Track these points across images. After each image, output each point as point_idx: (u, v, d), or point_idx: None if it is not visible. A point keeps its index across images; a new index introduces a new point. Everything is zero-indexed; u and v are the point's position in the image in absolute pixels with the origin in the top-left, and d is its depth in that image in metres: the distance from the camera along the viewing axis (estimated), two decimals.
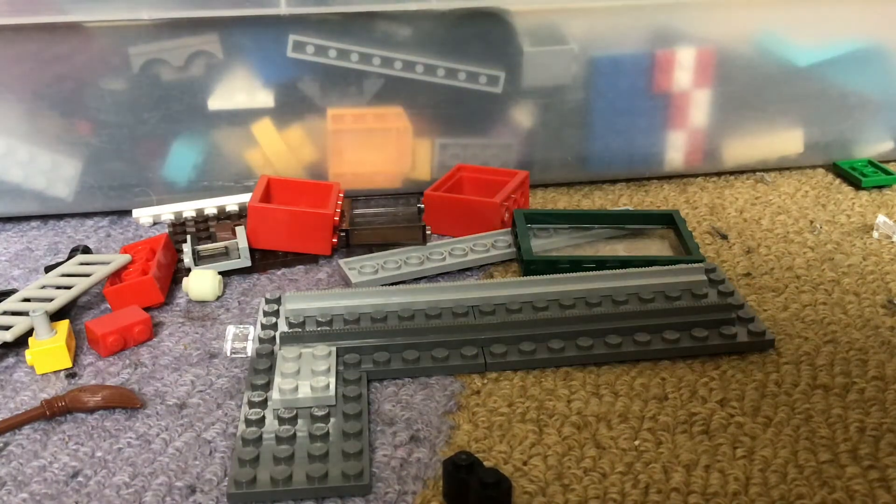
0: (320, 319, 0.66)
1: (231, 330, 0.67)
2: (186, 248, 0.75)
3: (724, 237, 0.81)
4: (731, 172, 0.96)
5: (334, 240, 0.77)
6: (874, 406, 0.57)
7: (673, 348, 0.62)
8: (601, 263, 0.73)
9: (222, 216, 0.85)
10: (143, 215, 0.86)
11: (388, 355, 0.62)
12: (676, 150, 0.94)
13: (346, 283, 0.74)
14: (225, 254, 0.76)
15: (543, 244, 0.79)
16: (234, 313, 0.71)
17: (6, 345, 0.65)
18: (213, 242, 0.76)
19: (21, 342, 0.65)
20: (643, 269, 0.70)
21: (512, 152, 0.91)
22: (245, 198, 0.85)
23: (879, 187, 0.91)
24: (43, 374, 0.63)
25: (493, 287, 0.68)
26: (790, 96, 0.92)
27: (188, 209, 0.85)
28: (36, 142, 0.83)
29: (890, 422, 0.56)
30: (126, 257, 0.74)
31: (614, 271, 0.69)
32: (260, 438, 0.54)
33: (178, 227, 0.83)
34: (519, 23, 0.84)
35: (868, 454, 0.53)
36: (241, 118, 0.85)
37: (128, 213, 0.88)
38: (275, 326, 0.67)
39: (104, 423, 0.58)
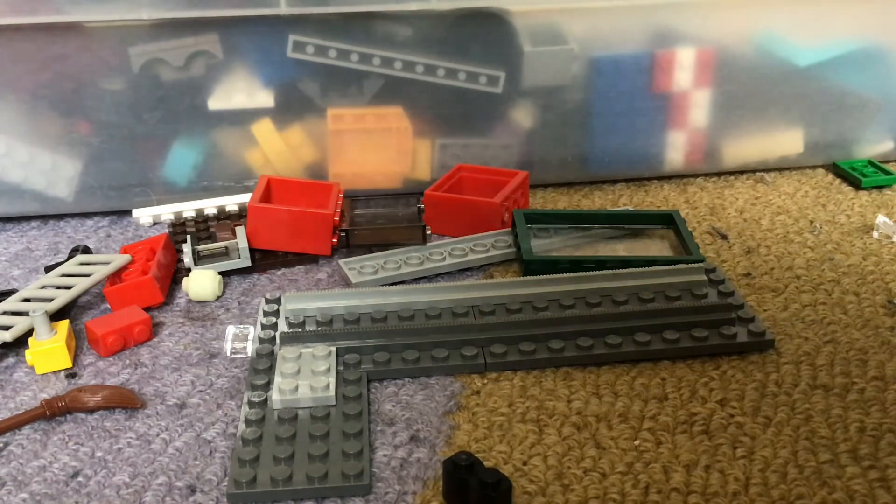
0: (320, 319, 0.66)
1: (231, 330, 0.67)
2: (186, 248, 0.75)
3: (724, 237, 0.81)
4: (731, 172, 0.96)
5: (334, 240, 0.77)
6: (874, 406, 0.57)
7: (673, 348, 0.62)
8: (601, 263, 0.73)
9: (222, 216, 0.85)
10: (143, 215, 0.86)
11: (388, 355, 0.62)
12: (676, 150, 0.94)
13: (346, 283, 0.74)
14: (225, 254, 0.76)
15: (543, 244, 0.79)
16: (234, 313, 0.71)
17: (6, 345, 0.65)
18: (213, 242, 0.76)
19: (21, 342, 0.65)
20: (643, 269, 0.70)
21: (512, 152, 0.91)
22: (245, 198, 0.85)
23: (879, 187, 0.91)
24: (43, 374, 0.63)
25: (493, 287, 0.68)
26: (790, 96, 0.92)
27: (188, 209, 0.85)
28: (36, 142, 0.83)
29: (890, 422, 0.56)
30: (126, 257, 0.74)
31: (614, 271, 0.69)
32: (260, 438, 0.54)
33: (178, 227, 0.83)
34: (519, 23, 0.84)
35: (868, 454, 0.53)
36: (241, 118, 0.85)
37: (128, 213, 0.88)
38: (275, 326, 0.67)
39: (104, 423, 0.58)
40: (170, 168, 0.87)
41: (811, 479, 0.51)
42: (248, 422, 0.55)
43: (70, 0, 0.77)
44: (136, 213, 0.86)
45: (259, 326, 0.67)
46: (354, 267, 0.75)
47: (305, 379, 0.59)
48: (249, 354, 0.65)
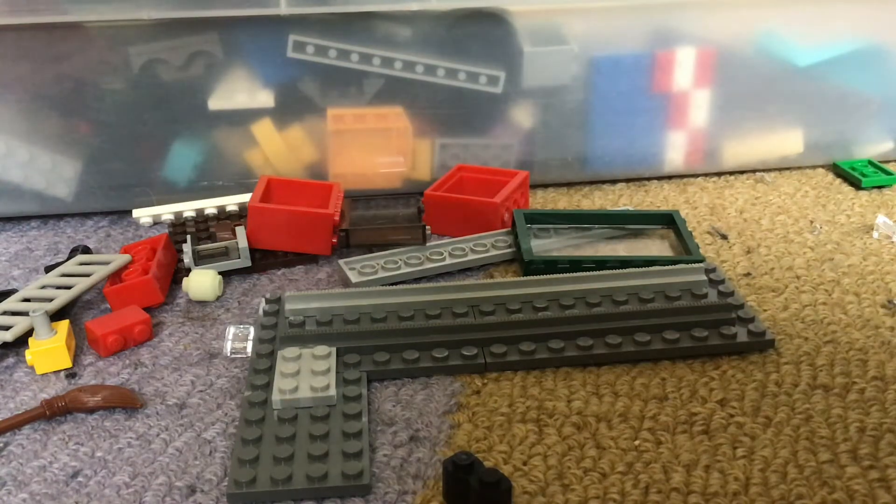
0: (320, 319, 0.66)
1: (231, 330, 0.66)
2: (186, 248, 0.75)
3: (724, 237, 0.81)
4: (731, 172, 0.96)
5: (334, 240, 0.77)
6: (874, 406, 0.57)
7: (673, 348, 0.62)
8: (601, 263, 0.73)
9: (222, 216, 0.85)
10: (143, 215, 0.86)
11: (388, 355, 0.62)
12: (676, 150, 0.94)
13: (346, 283, 0.74)
14: (225, 254, 0.76)
15: (543, 244, 0.79)
16: (234, 313, 0.71)
17: (6, 345, 0.65)
18: (213, 242, 0.76)
19: (21, 342, 0.65)
20: (643, 269, 0.70)
21: (512, 152, 0.91)
22: (245, 198, 0.85)
23: (879, 187, 0.91)
24: (43, 374, 0.63)
25: (493, 287, 0.68)
26: (790, 96, 0.92)
27: (188, 209, 0.85)
28: (36, 142, 0.83)
29: (890, 422, 0.56)
30: (126, 257, 0.74)
31: (614, 271, 0.69)
32: (260, 438, 0.54)
33: (178, 227, 0.83)
34: (519, 23, 0.84)
35: (868, 454, 0.53)
36: (241, 118, 0.85)
37: (128, 213, 0.88)
38: (275, 326, 0.67)
39: (104, 423, 0.58)
40: (170, 168, 0.87)
41: (811, 479, 0.51)
42: (247, 422, 0.55)
43: (70, 0, 0.77)
44: (136, 213, 0.86)
45: (259, 326, 0.67)
46: (354, 267, 0.75)
47: (305, 379, 0.59)
48: (249, 354, 0.65)
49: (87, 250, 0.80)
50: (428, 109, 0.87)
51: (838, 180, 0.94)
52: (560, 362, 0.62)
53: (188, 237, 0.76)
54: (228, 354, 0.65)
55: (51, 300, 0.68)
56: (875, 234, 0.80)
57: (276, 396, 0.57)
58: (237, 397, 0.60)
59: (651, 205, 0.89)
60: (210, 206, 0.85)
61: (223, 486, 0.52)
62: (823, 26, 0.90)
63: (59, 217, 0.89)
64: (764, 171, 0.96)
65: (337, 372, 0.60)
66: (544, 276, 0.69)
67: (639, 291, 0.69)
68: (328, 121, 0.87)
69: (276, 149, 0.87)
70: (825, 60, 0.91)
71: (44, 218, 0.89)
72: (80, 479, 0.53)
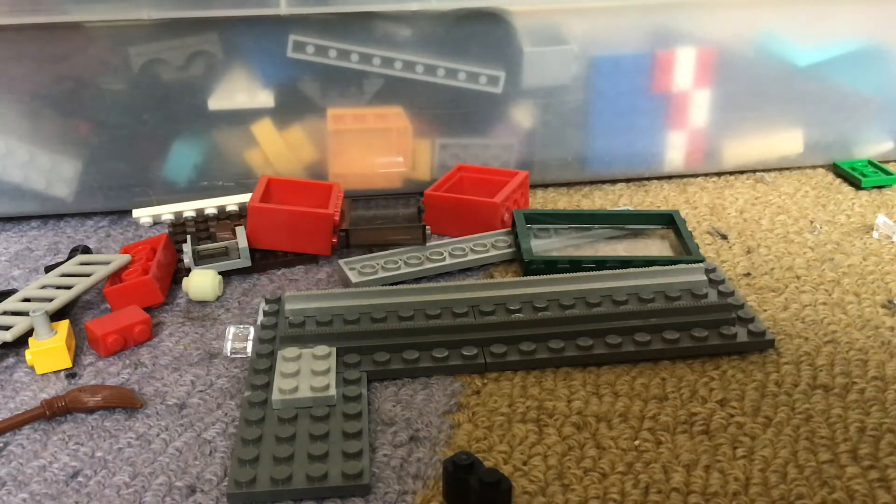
0: (320, 319, 0.66)
1: (231, 330, 0.66)
2: (186, 248, 0.75)
3: (724, 237, 0.81)
4: (731, 172, 0.96)
5: (334, 240, 0.77)
6: (874, 406, 0.57)
7: (673, 348, 0.62)
8: (601, 263, 0.73)
9: (222, 216, 0.85)
10: (143, 215, 0.86)
11: (388, 355, 0.62)
12: (676, 150, 0.94)
13: (346, 283, 0.74)
14: (225, 254, 0.76)
15: (543, 244, 0.79)
16: (234, 313, 0.71)
17: (6, 345, 0.65)
18: (213, 242, 0.76)
19: (21, 342, 0.65)
20: (643, 269, 0.70)
21: (512, 152, 0.91)
22: (245, 198, 0.85)
23: (879, 187, 0.91)
24: (43, 374, 0.63)
25: (493, 287, 0.68)
26: (790, 96, 0.92)
27: (188, 209, 0.85)
28: (36, 142, 0.83)
29: (890, 422, 0.56)
30: (126, 257, 0.74)
31: (614, 271, 0.69)
32: (260, 438, 0.54)
33: (178, 227, 0.83)
34: (519, 23, 0.84)
35: (868, 454, 0.53)
36: (241, 118, 0.85)
37: (128, 213, 0.88)
38: (275, 326, 0.67)
39: (104, 423, 0.58)
40: (170, 168, 0.87)
41: (811, 479, 0.51)
42: (248, 422, 0.55)
43: (70, 0, 0.77)
44: (136, 213, 0.86)
45: (259, 326, 0.67)
46: (354, 267, 0.75)
47: (305, 379, 0.59)
48: (249, 354, 0.65)
49: (87, 250, 0.80)
50: (428, 109, 0.87)
51: (838, 180, 0.94)
52: (560, 362, 0.62)
53: (188, 237, 0.76)
54: (228, 354, 0.65)
55: (51, 300, 0.68)
56: (875, 234, 0.80)
57: (276, 396, 0.57)
58: (237, 397, 0.60)
59: (651, 205, 0.89)
60: (210, 206, 0.85)
61: (223, 486, 0.52)
62: (823, 26, 0.90)
63: (59, 217, 0.89)
64: (764, 171, 0.97)
65: (337, 372, 0.60)
66: (544, 276, 0.69)
67: (639, 291, 0.69)
68: (328, 121, 0.87)
69: (276, 149, 0.87)
70: (825, 60, 0.91)
71: (44, 218, 0.89)
72: (80, 479, 0.53)
